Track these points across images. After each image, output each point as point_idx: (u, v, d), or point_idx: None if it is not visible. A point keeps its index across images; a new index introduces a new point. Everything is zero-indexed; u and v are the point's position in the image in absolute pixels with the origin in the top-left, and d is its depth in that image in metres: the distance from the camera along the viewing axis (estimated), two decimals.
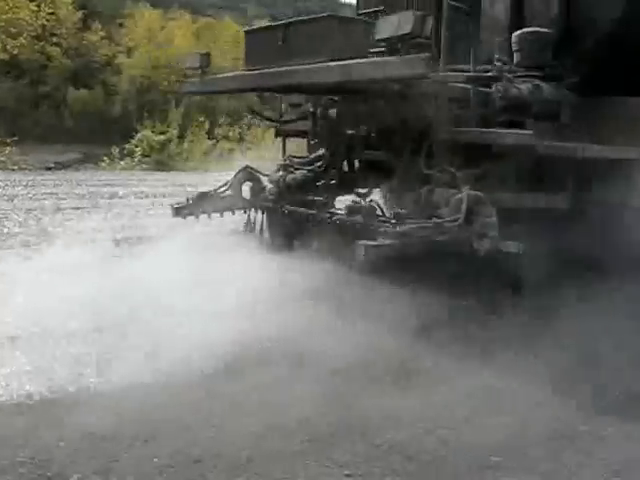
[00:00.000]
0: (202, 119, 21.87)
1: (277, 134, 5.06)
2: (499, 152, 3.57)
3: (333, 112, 4.35)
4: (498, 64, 3.46)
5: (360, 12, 4.88)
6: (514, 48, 3.64)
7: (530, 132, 3.35)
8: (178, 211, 4.69)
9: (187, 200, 4.70)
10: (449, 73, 3.28)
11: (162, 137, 21.17)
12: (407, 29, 2.88)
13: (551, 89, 3.59)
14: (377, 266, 3.34)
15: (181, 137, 21.44)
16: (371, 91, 3.59)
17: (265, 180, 4.91)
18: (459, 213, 3.33)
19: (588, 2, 3.72)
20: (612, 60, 3.74)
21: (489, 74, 3.41)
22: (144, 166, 20.17)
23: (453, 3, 3.52)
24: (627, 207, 3.71)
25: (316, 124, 4.40)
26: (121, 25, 23.04)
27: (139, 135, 20.82)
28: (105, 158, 19.90)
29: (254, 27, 4.01)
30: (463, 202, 3.32)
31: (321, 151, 4.55)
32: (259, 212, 4.88)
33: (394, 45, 3.03)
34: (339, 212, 4.26)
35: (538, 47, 3.56)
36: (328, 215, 4.23)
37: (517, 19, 3.93)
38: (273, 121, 4.80)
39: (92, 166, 19.90)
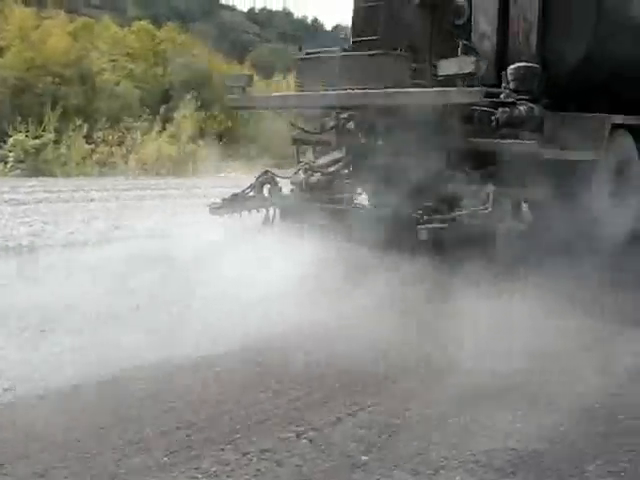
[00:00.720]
0: (80, 123, 21.42)
1: (294, 142, 5.85)
2: (505, 158, 4.73)
3: (352, 124, 5.29)
4: (506, 91, 4.60)
5: (355, 40, 5.83)
6: (510, 78, 4.78)
7: (534, 142, 4.53)
8: (214, 211, 5.36)
9: (222, 201, 5.38)
10: (486, 99, 4.35)
11: (37, 141, 20.52)
12: (470, 69, 3.92)
13: (538, 108, 4.79)
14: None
15: (58, 141, 20.89)
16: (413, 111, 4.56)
17: (281, 182, 5.69)
18: (486, 203, 4.41)
19: (557, 44, 4.98)
20: (573, 85, 5.06)
21: (510, 99, 4.53)
22: (18, 172, 19.51)
23: (466, 43, 4.62)
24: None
25: (338, 134, 5.30)
26: None
27: (12, 140, 20.08)
28: None
29: (307, 56, 4.80)
30: (490, 195, 4.41)
31: (338, 156, 5.45)
32: (277, 210, 5.65)
33: (453, 80, 4.07)
34: (367, 206, 5.21)
35: (530, 77, 4.73)
36: (356, 208, 5.15)
37: (502, 54, 5.12)
38: (311, 133, 5.62)
39: None
